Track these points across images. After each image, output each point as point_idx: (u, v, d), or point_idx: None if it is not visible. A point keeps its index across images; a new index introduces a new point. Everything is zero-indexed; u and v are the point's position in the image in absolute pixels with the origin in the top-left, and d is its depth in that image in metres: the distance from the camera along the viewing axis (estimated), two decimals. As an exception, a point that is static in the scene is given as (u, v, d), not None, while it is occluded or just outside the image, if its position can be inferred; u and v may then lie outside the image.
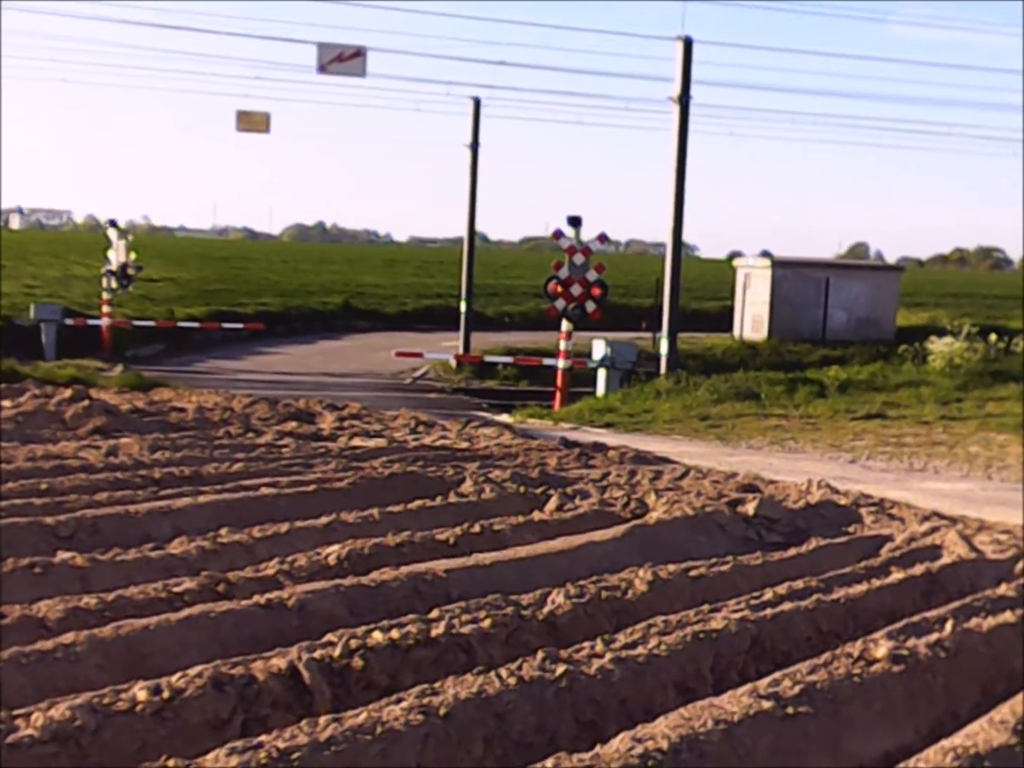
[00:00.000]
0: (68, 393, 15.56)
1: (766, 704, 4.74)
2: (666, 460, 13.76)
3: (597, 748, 4.34)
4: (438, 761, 4.32)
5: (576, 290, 25.20)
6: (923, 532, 8.97)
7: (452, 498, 9.49)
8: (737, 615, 6.11)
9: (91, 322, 34.13)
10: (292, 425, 14.87)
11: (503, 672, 4.93)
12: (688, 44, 25.99)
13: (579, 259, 25.32)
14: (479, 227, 40.23)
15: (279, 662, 4.94)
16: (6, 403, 14.95)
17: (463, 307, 36.38)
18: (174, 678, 4.64)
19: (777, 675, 5.16)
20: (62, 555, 6.75)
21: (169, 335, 36.42)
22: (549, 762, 4.23)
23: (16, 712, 4.29)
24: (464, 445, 13.98)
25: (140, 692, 4.48)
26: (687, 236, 27.41)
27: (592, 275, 25.39)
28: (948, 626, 5.95)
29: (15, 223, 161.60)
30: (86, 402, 14.67)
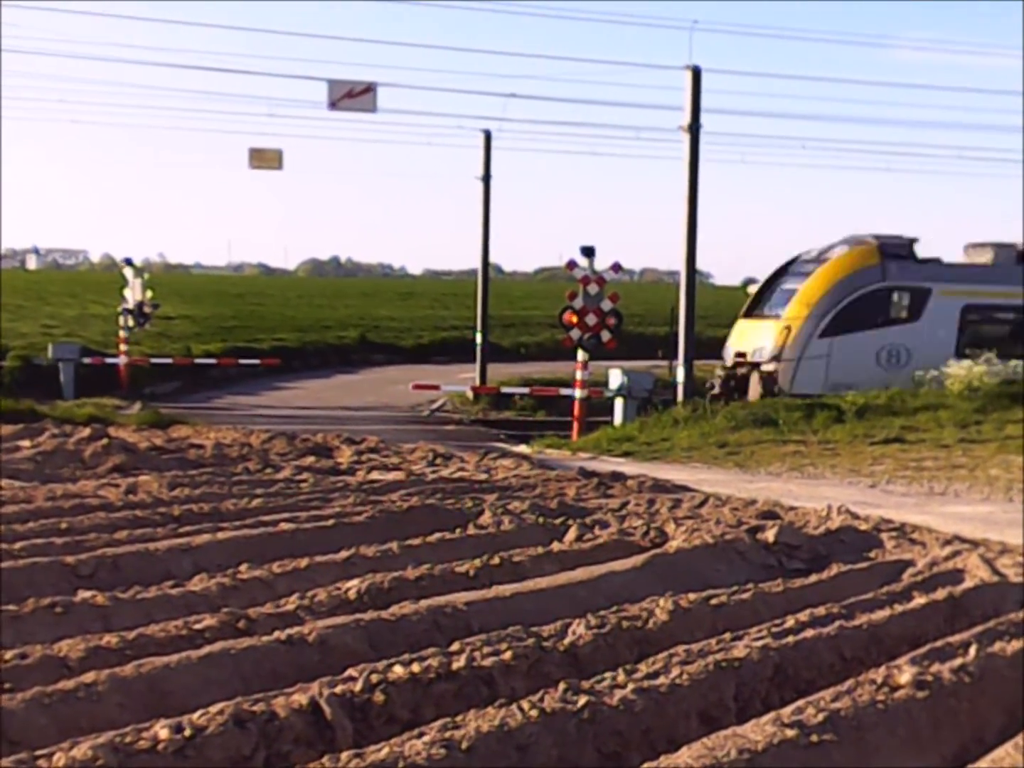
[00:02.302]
0: (87, 432, 15.60)
1: (790, 732, 4.71)
2: (685, 488, 13.72)
3: (621, 779, 4.32)
4: (461, 795, 4.30)
5: (591, 320, 25.22)
6: (945, 556, 8.93)
7: (471, 530, 9.48)
8: (759, 643, 6.08)
9: (109, 360, 34.30)
10: (310, 460, 14.88)
11: (525, 704, 4.91)
12: (697, 73, 26.07)
13: (593, 289, 25.35)
14: (493, 258, 40.34)
15: (300, 698, 4.93)
16: (25, 443, 15.00)
17: (479, 338, 36.43)
18: (196, 716, 4.63)
19: (800, 703, 5.13)
20: (83, 594, 6.75)
21: (186, 372, 36.56)
22: (573, 794, 4.21)
23: (38, 752, 4.29)
24: (482, 477, 13.97)
25: (162, 731, 4.47)
26: (701, 263, 27.46)
27: (607, 304, 25.41)
28: (972, 651, 5.91)
29: (32, 263, 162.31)
30: (105, 440, 14.72)
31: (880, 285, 28.87)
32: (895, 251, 29.29)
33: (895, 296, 29.12)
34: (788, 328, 28.55)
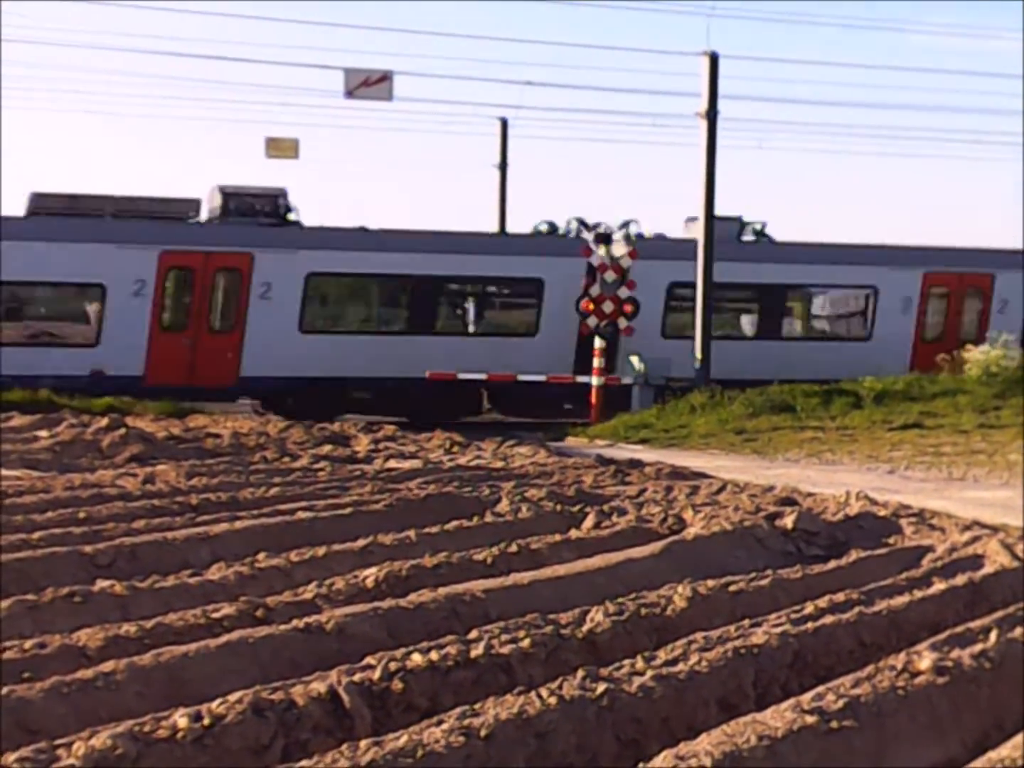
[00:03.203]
0: (104, 422, 15.64)
1: (810, 719, 4.69)
2: (702, 475, 13.70)
3: (640, 767, 4.31)
4: (480, 783, 4.29)
5: (608, 307, 25.16)
6: (964, 542, 8.89)
7: (488, 518, 9.47)
8: (778, 629, 6.06)
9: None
10: (327, 448, 14.90)
11: (543, 692, 4.90)
12: (714, 59, 25.97)
13: (610, 276, 25.28)
14: (509, 246, 40.13)
15: (319, 686, 4.93)
16: (43, 433, 15.05)
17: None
18: (214, 704, 4.63)
19: (820, 689, 5.11)
20: (101, 583, 6.77)
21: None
22: (592, 782, 4.20)
23: (58, 742, 4.29)
24: (499, 464, 13.96)
25: (181, 719, 4.47)
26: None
27: (624, 292, 25.35)
28: (992, 636, 5.88)
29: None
30: (122, 430, 14.76)
31: None
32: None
33: None
34: None
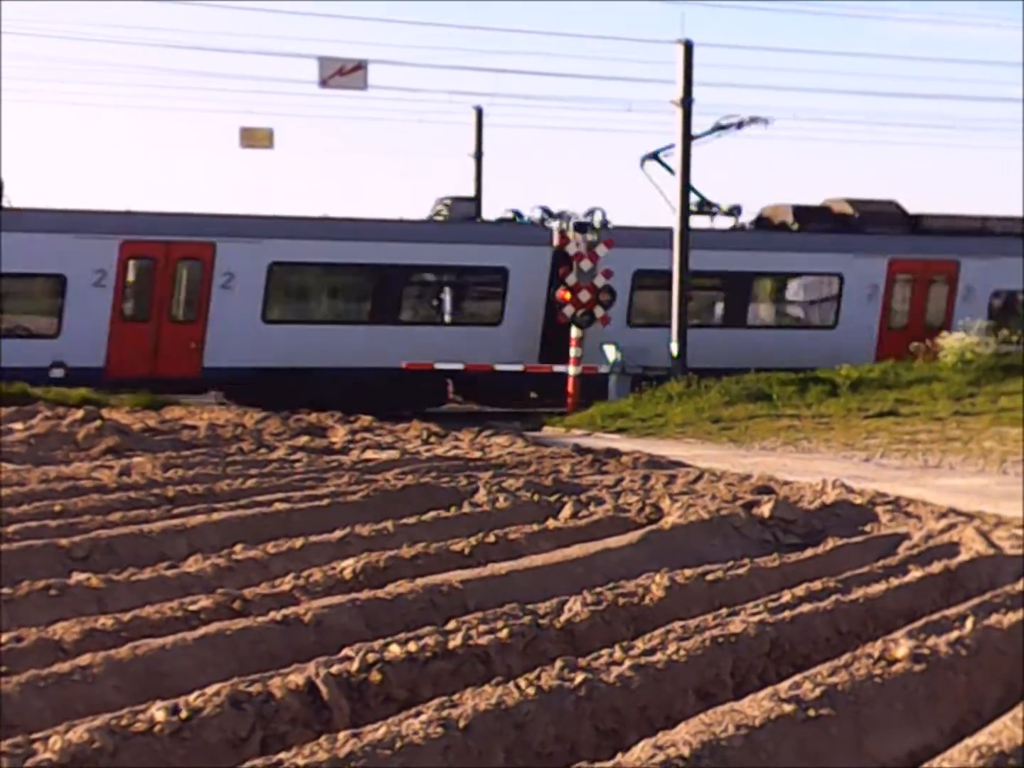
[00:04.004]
0: (80, 414, 15.57)
1: (787, 707, 4.71)
2: (679, 464, 13.72)
3: (618, 757, 4.31)
4: (459, 774, 4.29)
5: (584, 296, 25.15)
6: (940, 529, 8.93)
7: (466, 508, 9.47)
8: (755, 618, 6.07)
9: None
10: (304, 439, 14.87)
11: (522, 682, 4.90)
12: (689, 47, 25.95)
13: (587, 265, 25.27)
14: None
15: (297, 678, 4.92)
16: (18, 426, 14.97)
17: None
18: (192, 697, 4.62)
19: (798, 678, 5.13)
20: (77, 576, 6.74)
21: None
22: (570, 772, 4.20)
23: (34, 736, 4.27)
24: (477, 455, 13.96)
25: (158, 712, 4.46)
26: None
27: (600, 280, 25.35)
28: (968, 623, 5.91)
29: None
30: (98, 423, 14.68)
31: None
32: None
33: None
34: None
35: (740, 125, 26.77)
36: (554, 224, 26.65)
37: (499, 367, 25.61)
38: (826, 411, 20.36)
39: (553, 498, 9.91)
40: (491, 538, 8.07)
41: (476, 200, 29.26)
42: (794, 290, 30.13)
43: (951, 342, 25.19)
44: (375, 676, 5.10)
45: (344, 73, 28.60)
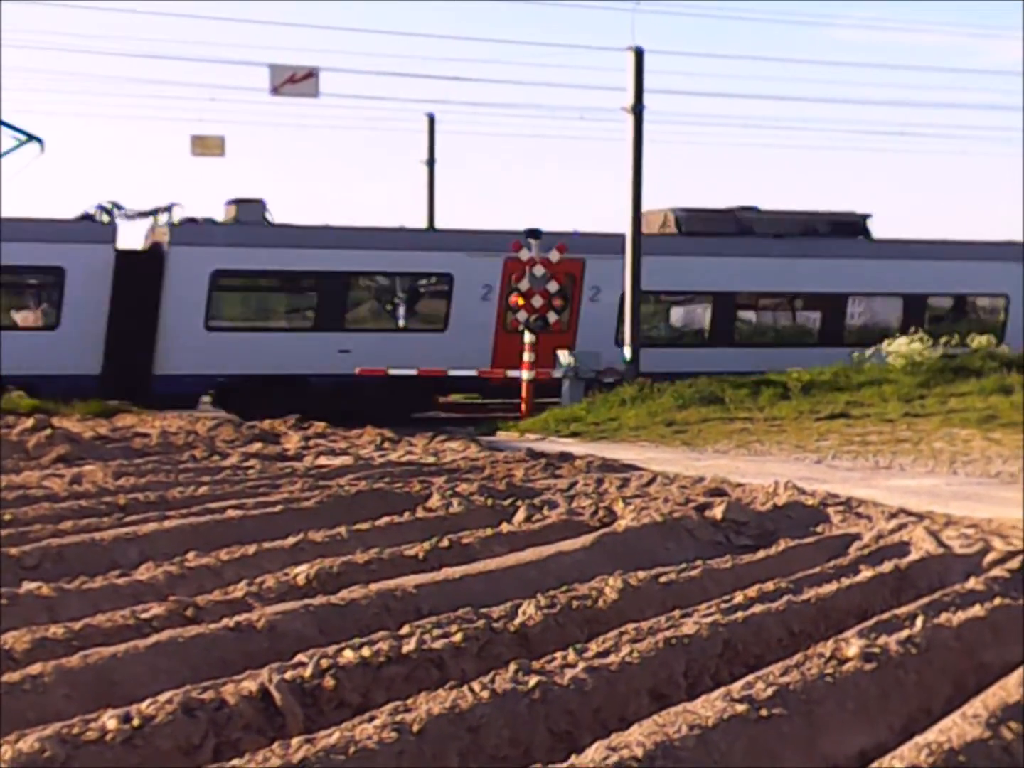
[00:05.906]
0: (30, 423, 15.45)
1: (740, 707, 4.73)
2: (633, 467, 13.77)
3: (572, 759, 4.32)
4: (413, 778, 4.29)
5: (537, 301, 25.19)
6: (891, 529, 9.00)
7: (420, 513, 9.47)
8: (708, 619, 6.10)
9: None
10: (257, 446, 14.81)
11: (476, 686, 4.90)
12: (640, 54, 26.07)
13: (539, 271, 25.32)
14: (438, 242, 40.08)
15: (250, 685, 4.90)
16: (-33, 435, 14.82)
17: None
18: (144, 705, 4.59)
19: (750, 678, 5.16)
20: (28, 585, 6.68)
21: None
22: (525, 774, 4.21)
23: (-16, 746, 4.24)
24: (430, 460, 13.96)
25: (110, 721, 4.43)
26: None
27: (553, 286, 25.39)
28: (918, 622, 5.96)
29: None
30: (48, 431, 14.57)
31: None
32: None
33: None
34: None
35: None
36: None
37: (454, 373, 25.78)
38: (778, 414, 20.48)
39: (507, 502, 9.92)
40: (445, 543, 8.07)
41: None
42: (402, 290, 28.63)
43: (900, 346, 25.43)
44: (329, 682, 5.09)
45: (295, 81, 28.57)
